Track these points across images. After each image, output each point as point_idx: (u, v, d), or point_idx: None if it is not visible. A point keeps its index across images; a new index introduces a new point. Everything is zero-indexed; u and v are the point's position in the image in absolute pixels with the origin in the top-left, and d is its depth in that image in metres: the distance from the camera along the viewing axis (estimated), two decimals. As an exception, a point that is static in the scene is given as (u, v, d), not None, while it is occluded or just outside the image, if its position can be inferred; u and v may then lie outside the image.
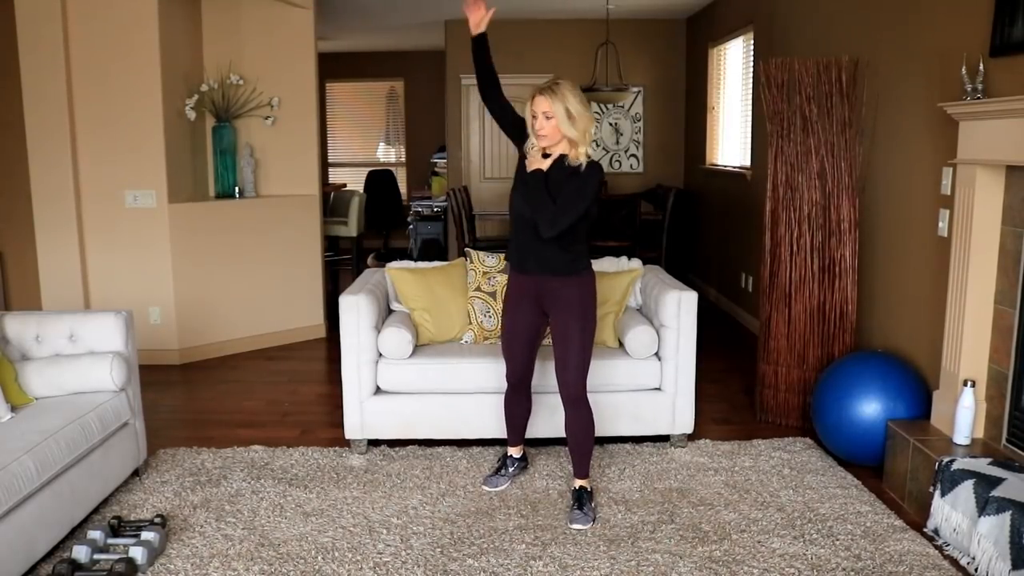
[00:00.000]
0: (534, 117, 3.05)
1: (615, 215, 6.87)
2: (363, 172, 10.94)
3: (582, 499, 3.28)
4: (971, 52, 3.30)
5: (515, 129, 3.22)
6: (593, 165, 3.10)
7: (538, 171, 3.07)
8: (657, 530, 3.15)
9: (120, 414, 3.39)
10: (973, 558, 2.82)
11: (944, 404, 3.42)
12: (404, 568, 2.88)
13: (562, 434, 3.43)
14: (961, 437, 3.26)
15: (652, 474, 3.66)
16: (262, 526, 3.18)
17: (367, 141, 11.66)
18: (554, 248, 3.13)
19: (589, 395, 3.29)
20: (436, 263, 4.31)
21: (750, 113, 6.43)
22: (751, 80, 6.38)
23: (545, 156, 3.10)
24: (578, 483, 3.33)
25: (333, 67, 10.27)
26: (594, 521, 3.21)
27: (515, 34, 8.49)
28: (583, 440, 3.31)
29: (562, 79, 3.07)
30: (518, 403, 3.52)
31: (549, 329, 3.33)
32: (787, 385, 4.27)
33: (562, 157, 3.11)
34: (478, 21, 3.17)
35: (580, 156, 3.09)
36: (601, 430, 3.80)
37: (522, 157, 3.18)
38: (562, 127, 3.02)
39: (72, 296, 5.22)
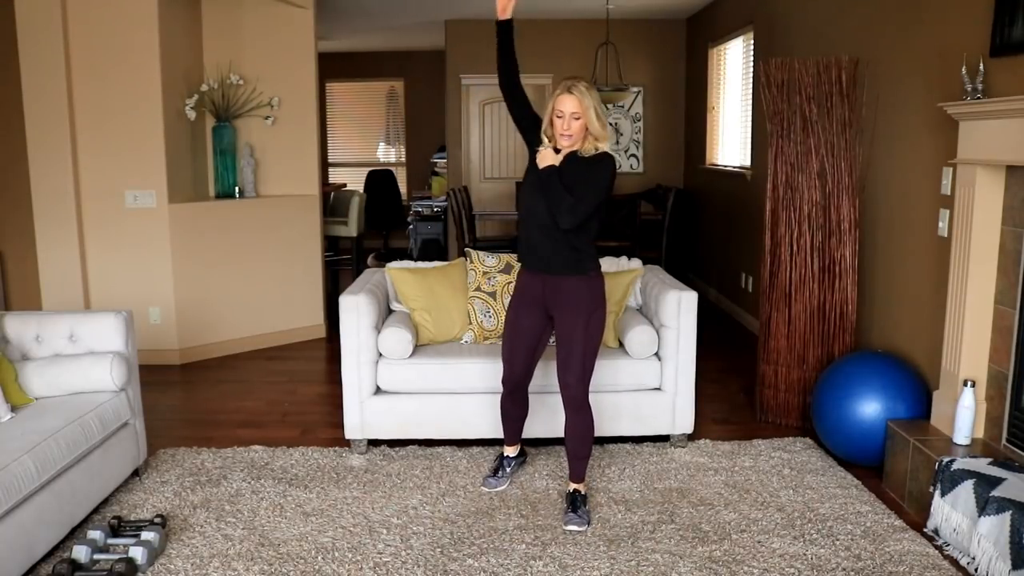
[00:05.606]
0: (559, 117, 3.05)
1: (615, 215, 6.88)
2: (363, 172, 10.94)
3: (576, 502, 3.26)
4: (971, 52, 3.30)
5: (530, 123, 3.22)
6: (608, 156, 3.12)
7: (551, 167, 3.08)
8: (657, 530, 3.15)
9: (120, 414, 3.39)
10: (973, 558, 2.82)
11: (944, 404, 3.42)
12: (404, 568, 2.88)
13: (562, 435, 3.41)
14: (961, 437, 3.26)
15: (652, 474, 3.66)
16: (262, 526, 3.18)
17: (367, 141, 11.66)
18: (563, 245, 3.13)
19: (590, 395, 3.27)
20: (436, 263, 4.31)
21: (750, 113, 6.43)
22: (751, 80, 6.38)
23: (557, 151, 3.12)
24: (573, 486, 3.32)
25: (333, 67, 10.28)
26: (589, 524, 3.20)
27: (515, 34, 8.49)
28: (581, 444, 3.28)
29: (580, 78, 3.10)
30: (514, 406, 3.51)
31: (554, 332, 3.32)
32: (787, 385, 4.27)
33: (573, 152, 3.13)
34: (504, 5, 3.17)
35: (597, 148, 3.11)
36: (601, 430, 3.80)
37: (533, 153, 3.18)
38: (592, 126, 3.06)
39: (72, 296, 5.22)
